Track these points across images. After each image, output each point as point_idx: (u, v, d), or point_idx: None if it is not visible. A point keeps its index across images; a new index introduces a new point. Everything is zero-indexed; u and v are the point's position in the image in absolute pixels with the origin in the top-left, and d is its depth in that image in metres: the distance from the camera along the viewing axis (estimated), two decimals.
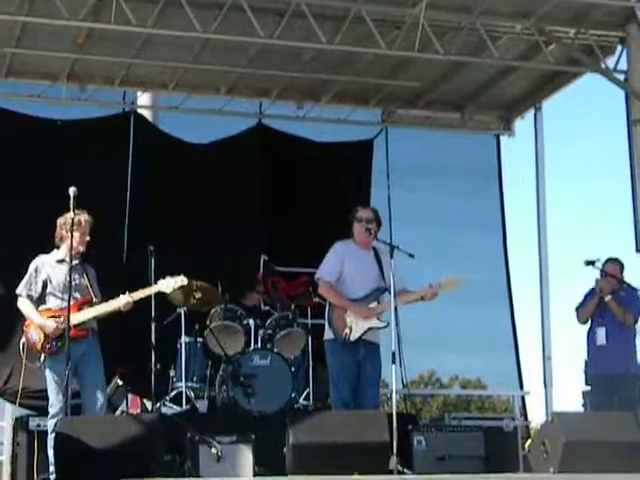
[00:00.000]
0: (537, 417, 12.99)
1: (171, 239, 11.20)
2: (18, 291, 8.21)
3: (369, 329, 8.37)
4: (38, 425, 8.96)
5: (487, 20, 10.65)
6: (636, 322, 9.56)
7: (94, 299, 8.22)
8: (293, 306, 10.67)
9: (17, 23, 10.27)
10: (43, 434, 8.52)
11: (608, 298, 9.56)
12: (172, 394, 10.05)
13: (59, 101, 11.74)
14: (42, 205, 10.86)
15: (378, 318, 8.42)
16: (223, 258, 11.54)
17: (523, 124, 13.25)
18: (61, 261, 8.20)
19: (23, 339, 8.19)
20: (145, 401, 10.64)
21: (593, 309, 9.68)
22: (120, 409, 9.96)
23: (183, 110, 12.30)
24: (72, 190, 7.83)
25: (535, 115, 12.87)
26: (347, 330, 8.35)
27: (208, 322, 10.31)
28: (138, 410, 10.52)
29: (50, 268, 8.20)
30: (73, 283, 8.10)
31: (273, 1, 10.17)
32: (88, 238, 8.26)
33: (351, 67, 11.56)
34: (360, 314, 8.36)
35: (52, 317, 8.04)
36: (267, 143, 12.51)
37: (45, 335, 8.02)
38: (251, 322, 10.30)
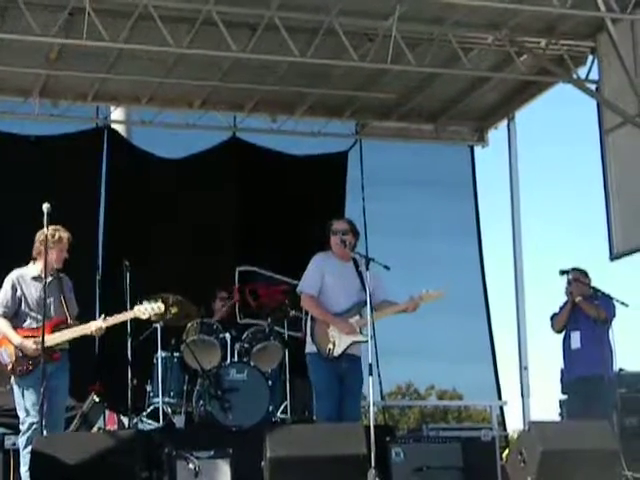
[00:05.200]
0: (515, 427, 12.99)
1: (146, 253, 11.20)
2: None
3: (352, 343, 8.36)
4: (13, 444, 8.87)
5: (459, 32, 10.71)
6: (610, 320, 9.55)
7: (68, 319, 8.15)
8: (270, 320, 10.66)
9: None
10: (18, 452, 8.46)
11: (578, 299, 9.58)
12: (149, 410, 10.01)
13: (32, 117, 11.71)
14: (15, 221, 10.85)
15: (361, 331, 8.40)
16: (199, 271, 11.54)
17: (497, 134, 13.33)
18: (37, 278, 8.13)
19: None
20: (122, 417, 10.59)
21: (567, 316, 9.70)
22: (97, 426, 9.91)
23: (157, 124, 12.29)
24: (45, 206, 7.75)
25: (508, 125, 12.94)
26: (330, 345, 8.32)
27: (184, 337, 10.27)
28: (115, 426, 10.46)
29: (25, 285, 8.10)
30: (48, 301, 8.06)
31: (246, 15, 10.18)
32: (66, 255, 8.21)
33: (324, 80, 11.59)
34: (343, 329, 8.33)
35: (26, 337, 7.95)
36: (241, 156, 12.52)
37: (17, 356, 7.95)
38: (227, 336, 10.27)
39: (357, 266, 8.53)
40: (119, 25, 9.88)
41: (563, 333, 9.85)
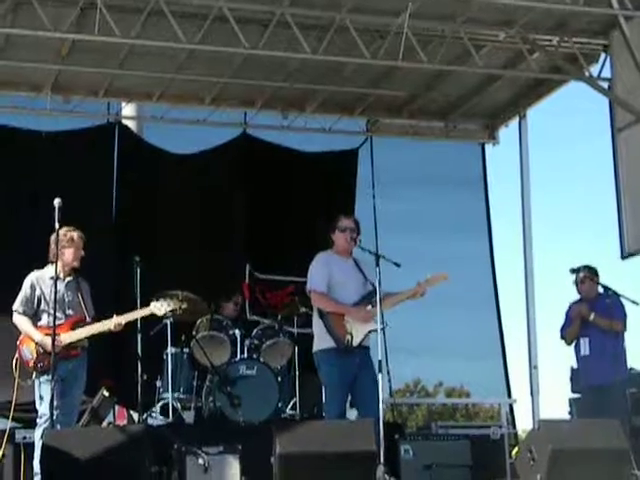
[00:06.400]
0: (523, 425, 12.97)
1: (157, 250, 11.21)
2: (15, 307, 8.28)
3: (368, 333, 8.35)
4: (24, 437, 8.92)
5: (471, 29, 10.68)
6: (625, 328, 9.52)
7: (87, 317, 8.26)
8: (280, 316, 10.68)
9: (0, 35, 10.26)
10: (29, 446, 8.50)
11: (592, 317, 9.50)
12: (159, 405, 10.04)
13: (44, 113, 11.71)
14: (27, 217, 10.88)
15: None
16: (208, 268, 11.54)
17: (508, 132, 13.31)
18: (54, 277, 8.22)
19: (16, 355, 8.24)
20: (132, 412, 10.60)
21: (577, 328, 9.62)
22: (107, 420, 9.93)
23: (168, 120, 12.29)
24: (57, 201, 7.79)
25: (519, 123, 12.90)
26: (348, 336, 8.30)
27: (194, 333, 10.31)
28: (125, 421, 10.48)
29: (44, 285, 8.24)
30: (66, 300, 8.21)
31: (257, 11, 10.17)
32: (82, 253, 8.31)
33: (335, 76, 11.57)
34: (361, 317, 8.31)
35: (47, 335, 8.04)
36: (251, 153, 12.51)
37: (38, 353, 8.09)
38: (237, 332, 10.29)
39: (357, 263, 8.55)
40: (131, 21, 9.88)
41: None
